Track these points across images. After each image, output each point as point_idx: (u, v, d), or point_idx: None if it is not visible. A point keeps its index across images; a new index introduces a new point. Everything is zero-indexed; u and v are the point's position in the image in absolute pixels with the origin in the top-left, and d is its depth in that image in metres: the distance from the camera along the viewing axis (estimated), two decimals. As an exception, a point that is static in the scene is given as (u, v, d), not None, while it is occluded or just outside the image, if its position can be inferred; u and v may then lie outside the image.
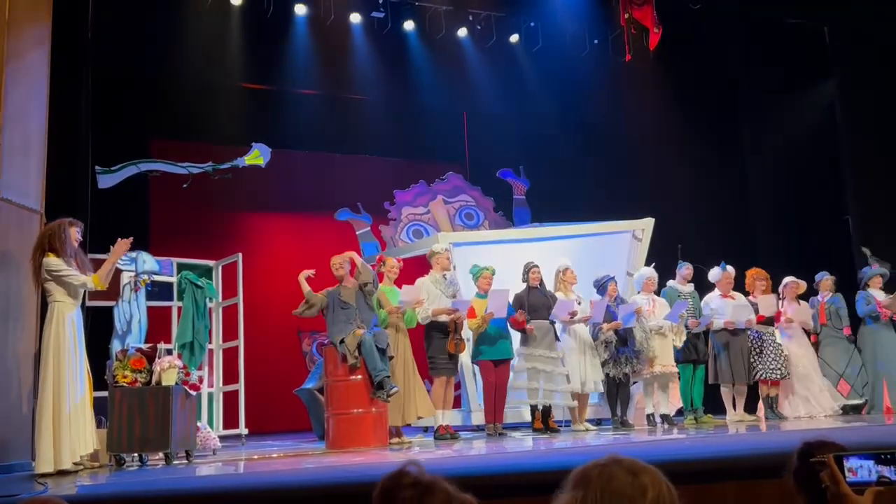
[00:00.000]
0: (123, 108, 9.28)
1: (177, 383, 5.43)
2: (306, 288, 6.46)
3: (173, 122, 9.96)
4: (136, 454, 5.47)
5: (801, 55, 9.19)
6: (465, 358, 7.31)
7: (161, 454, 5.47)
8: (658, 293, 7.68)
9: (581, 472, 1.47)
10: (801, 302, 7.86)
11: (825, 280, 8.02)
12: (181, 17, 9.26)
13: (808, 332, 7.87)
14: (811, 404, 7.48)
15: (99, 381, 5.61)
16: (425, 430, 7.69)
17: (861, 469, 1.78)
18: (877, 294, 7.76)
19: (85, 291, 5.34)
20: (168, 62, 9.46)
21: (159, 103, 9.64)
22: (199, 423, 6.22)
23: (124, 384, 5.37)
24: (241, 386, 7.73)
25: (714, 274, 7.73)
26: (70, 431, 4.92)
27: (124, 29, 9.00)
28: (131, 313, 6.82)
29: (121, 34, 8.94)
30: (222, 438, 7.10)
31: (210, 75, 9.82)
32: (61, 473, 4.83)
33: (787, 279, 7.86)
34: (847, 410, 7.64)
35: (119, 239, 5.41)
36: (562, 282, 7.24)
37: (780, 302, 7.80)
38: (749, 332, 7.57)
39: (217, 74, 9.88)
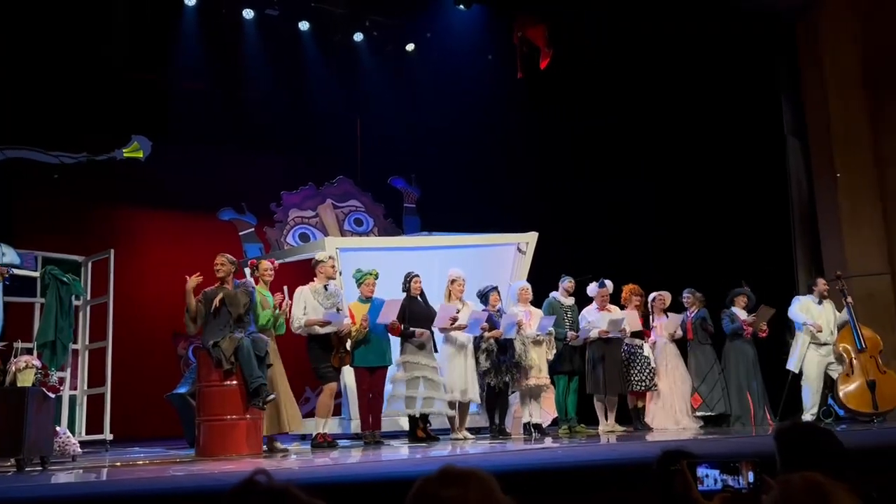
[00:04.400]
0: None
1: (34, 384, 5.11)
2: (191, 301, 6.04)
3: (45, 109, 9.34)
4: (-17, 460, 5.10)
5: (688, 74, 9.54)
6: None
7: (12, 460, 5.11)
8: (540, 304, 7.88)
9: None
10: (670, 314, 8.23)
11: (689, 297, 8.42)
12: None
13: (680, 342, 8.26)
14: (672, 415, 7.90)
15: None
16: (302, 437, 7.54)
17: (707, 478, 1.87)
18: (739, 312, 8.23)
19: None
20: (43, 44, 8.89)
21: (30, 87, 9.04)
22: (58, 428, 5.88)
23: (-27, 384, 5.00)
24: (107, 389, 7.36)
25: (591, 289, 8.05)
26: None
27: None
28: (-15, 308, 6.34)
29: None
30: (85, 444, 6.74)
31: (88, 61, 9.29)
32: None
33: (654, 294, 8.25)
34: (708, 422, 8.05)
35: None
36: (451, 291, 7.31)
37: (651, 317, 8.18)
38: (623, 346, 7.87)
39: (96, 60, 9.36)
